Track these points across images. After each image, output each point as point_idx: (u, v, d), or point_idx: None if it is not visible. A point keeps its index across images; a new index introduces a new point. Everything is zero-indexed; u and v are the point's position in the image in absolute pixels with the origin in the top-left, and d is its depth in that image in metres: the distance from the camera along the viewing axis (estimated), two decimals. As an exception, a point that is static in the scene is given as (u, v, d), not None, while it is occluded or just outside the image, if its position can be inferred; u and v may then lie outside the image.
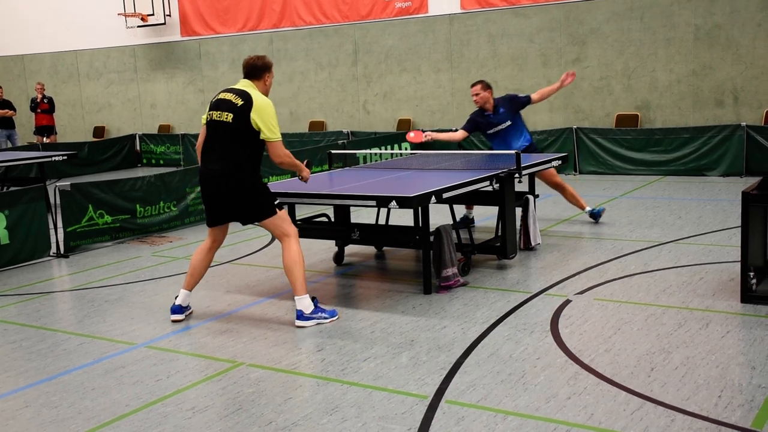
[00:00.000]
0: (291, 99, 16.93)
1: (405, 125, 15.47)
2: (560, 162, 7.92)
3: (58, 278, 7.54)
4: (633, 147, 12.54)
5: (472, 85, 8.30)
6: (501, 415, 3.94)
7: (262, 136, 5.47)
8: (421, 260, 6.40)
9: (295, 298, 5.58)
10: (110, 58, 19.54)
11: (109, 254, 8.37)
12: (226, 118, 5.50)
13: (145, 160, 17.87)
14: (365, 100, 16.12)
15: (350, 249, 7.66)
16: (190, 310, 5.98)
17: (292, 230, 5.68)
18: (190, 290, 5.89)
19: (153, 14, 17.99)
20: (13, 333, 5.76)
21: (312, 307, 5.57)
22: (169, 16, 18.04)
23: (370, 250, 7.82)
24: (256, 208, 5.58)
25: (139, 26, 18.36)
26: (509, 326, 5.30)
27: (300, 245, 5.65)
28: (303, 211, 8.03)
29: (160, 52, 18.72)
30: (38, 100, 17.37)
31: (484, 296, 6.04)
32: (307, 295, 5.59)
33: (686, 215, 8.85)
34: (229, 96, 5.57)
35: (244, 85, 5.63)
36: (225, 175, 5.51)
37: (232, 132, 5.48)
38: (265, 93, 5.66)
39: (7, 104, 16.52)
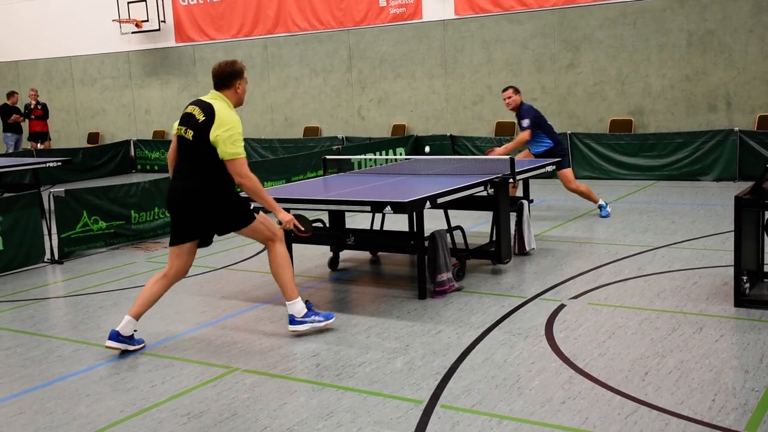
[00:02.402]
0: (285, 105, 16.94)
1: (399, 131, 15.50)
2: (554, 167, 8.07)
3: (52, 284, 7.53)
4: (627, 152, 12.59)
5: (503, 90, 9.18)
6: (496, 420, 3.95)
7: (220, 154, 4.98)
8: (415, 265, 6.41)
9: (286, 303, 5.41)
10: (104, 64, 19.52)
11: (104, 260, 8.37)
12: (188, 135, 5.09)
13: (139, 166, 17.86)
14: (360, 106, 16.14)
15: (345, 254, 7.66)
16: (141, 344, 5.29)
17: (276, 233, 5.34)
18: (136, 319, 5.25)
19: (147, 20, 17.99)
20: (7, 339, 5.75)
21: (305, 311, 5.40)
22: (164, 22, 18.04)
23: (365, 255, 7.82)
24: (230, 219, 5.24)
25: (133, 32, 18.35)
26: (504, 331, 5.31)
27: (285, 247, 5.43)
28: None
29: (154, 58, 18.72)
30: (32, 107, 17.41)
31: (479, 301, 6.05)
32: (299, 299, 5.40)
33: (680, 220, 8.88)
34: (194, 110, 5.11)
35: (212, 96, 5.16)
36: (190, 195, 5.11)
37: (194, 151, 5.07)
38: (239, 102, 5.21)
39: (17, 110, 16.81)
